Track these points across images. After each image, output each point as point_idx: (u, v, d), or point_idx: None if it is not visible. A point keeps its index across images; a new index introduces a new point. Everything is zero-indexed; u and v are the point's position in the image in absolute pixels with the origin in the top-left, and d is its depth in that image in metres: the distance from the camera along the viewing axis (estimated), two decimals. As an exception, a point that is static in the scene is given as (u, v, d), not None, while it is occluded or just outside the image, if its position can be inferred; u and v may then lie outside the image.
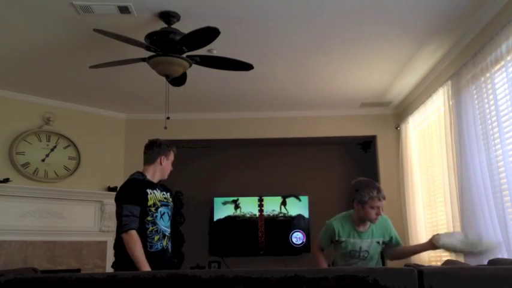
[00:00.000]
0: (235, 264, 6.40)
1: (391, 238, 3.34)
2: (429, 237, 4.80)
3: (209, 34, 3.31)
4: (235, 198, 6.59)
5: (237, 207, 6.58)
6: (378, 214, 3.20)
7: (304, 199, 6.54)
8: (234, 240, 6.54)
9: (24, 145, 5.28)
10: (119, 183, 3.80)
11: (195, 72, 4.23)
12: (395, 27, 3.88)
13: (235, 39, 4.02)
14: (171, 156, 3.51)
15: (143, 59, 3.72)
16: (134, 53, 3.76)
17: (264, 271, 2.02)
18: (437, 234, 3.15)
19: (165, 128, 4.27)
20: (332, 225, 3.33)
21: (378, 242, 3.30)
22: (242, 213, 6.57)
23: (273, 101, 5.76)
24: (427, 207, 4.94)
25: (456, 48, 4.23)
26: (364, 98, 5.69)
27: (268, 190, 6.64)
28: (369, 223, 3.29)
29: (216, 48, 3.99)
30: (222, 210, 6.57)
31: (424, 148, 5.06)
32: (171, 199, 3.51)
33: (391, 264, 4.27)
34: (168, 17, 3.56)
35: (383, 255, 3.51)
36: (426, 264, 4.65)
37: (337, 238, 3.30)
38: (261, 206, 6.58)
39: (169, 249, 3.40)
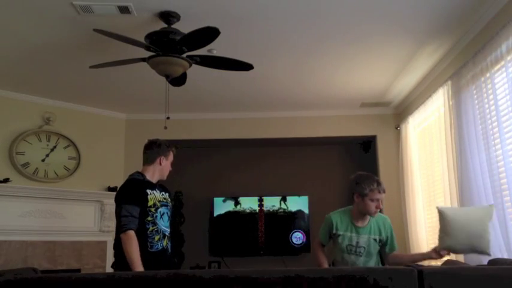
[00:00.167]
0: (235, 264, 6.41)
1: (387, 238, 3.33)
2: (429, 237, 4.85)
3: (209, 34, 3.31)
4: (235, 197, 6.60)
5: (237, 203, 6.58)
6: (377, 207, 3.22)
7: (304, 199, 6.55)
8: (234, 235, 6.54)
9: (24, 145, 5.28)
10: (119, 183, 3.80)
11: (195, 72, 4.23)
12: (395, 27, 3.88)
13: (235, 39, 4.02)
14: (171, 157, 3.51)
15: (143, 59, 3.72)
16: (134, 53, 3.76)
17: (264, 271, 2.02)
18: (440, 208, 3.10)
19: (165, 128, 4.27)
20: (330, 218, 3.37)
21: (375, 240, 3.30)
22: (242, 209, 6.58)
23: (273, 101, 5.76)
24: (427, 207, 4.93)
25: (456, 48, 4.23)
26: (364, 98, 5.69)
27: (268, 190, 6.64)
28: (368, 219, 3.31)
29: (216, 48, 3.99)
30: (222, 207, 6.58)
31: (424, 148, 5.06)
32: (170, 199, 3.51)
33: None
34: (168, 17, 3.56)
35: (382, 256, 3.51)
36: (426, 264, 4.65)
37: (334, 231, 3.32)
38: (261, 206, 6.58)
39: (169, 249, 3.41)
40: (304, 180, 6.71)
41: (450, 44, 4.23)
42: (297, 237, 6.48)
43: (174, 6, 3.49)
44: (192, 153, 6.61)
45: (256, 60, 4.10)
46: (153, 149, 3.45)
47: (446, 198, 4.22)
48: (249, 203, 6.58)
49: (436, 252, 3.08)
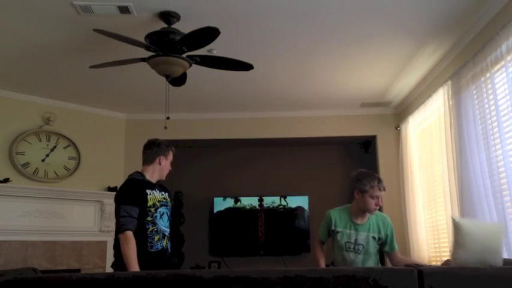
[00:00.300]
0: (235, 264, 6.41)
1: (386, 237, 3.32)
2: (429, 237, 4.85)
3: (209, 34, 3.31)
4: (235, 197, 6.61)
5: (237, 201, 6.59)
6: (377, 204, 3.23)
7: (304, 199, 6.55)
8: (234, 232, 6.54)
9: (24, 145, 5.28)
10: (118, 183, 3.80)
11: (195, 72, 4.23)
12: (395, 27, 3.88)
13: (235, 39, 4.02)
14: (170, 157, 3.51)
15: (143, 59, 3.72)
16: (134, 53, 3.76)
17: (264, 271, 2.02)
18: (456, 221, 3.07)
19: (165, 128, 4.27)
20: (330, 214, 3.38)
21: (374, 238, 3.29)
22: (242, 205, 6.58)
23: (273, 101, 5.76)
24: (427, 207, 4.93)
25: (456, 48, 4.23)
26: (364, 98, 5.69)
27: (268, 190, 6.63)
28: (367, 217, 3.31)
29: (216, 48, 3.99)
30: (222, 205, 6.59)
31: (424, 148, 5.06)
32: (169, 199, 3.51)
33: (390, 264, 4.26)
34: (168, 17, 3.56)
35: (382, 256, 3.51)
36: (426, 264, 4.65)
37: (333, 228, 3.33)
38: (261, 205, 6.59)
39: (169, 249, 3.41)
40: (304, 180, 6.71)
41: (450, 44, 4.23)
42: (297, 237, 6.48)
43: (174, 6, 3.49)
44: (192, 153, 6.61)
45: (256, 60, 4.10)
46: (152, 149, 3.45)
47: (446, 198, 4.22)
48: (249, 202, 6.60)
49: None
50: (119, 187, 3.43)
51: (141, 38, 3.58)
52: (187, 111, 6.04)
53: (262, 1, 3.45)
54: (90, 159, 5.73)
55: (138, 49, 3.65)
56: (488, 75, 3.52)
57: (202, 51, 3.77)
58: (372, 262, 3.32)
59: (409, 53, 4.41)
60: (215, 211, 6.56)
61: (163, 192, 3.45)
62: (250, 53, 4.23)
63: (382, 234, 3.31)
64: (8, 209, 4.97)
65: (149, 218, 3.25)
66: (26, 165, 5.24)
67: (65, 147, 5.58)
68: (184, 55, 3.65)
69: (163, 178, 3.50)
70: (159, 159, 3.42)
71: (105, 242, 5.53)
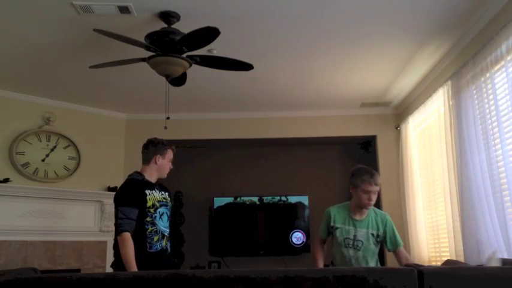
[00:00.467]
0: (235, 264, 6.41)
1: (385, 234, 3.32)
2: (429, 237, 4.85)
3: (209, 34, 3.31)
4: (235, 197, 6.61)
5: (237, 198, 6.61)
6: (369, 199, 3.24)
7: (304, 199, 6.55)
8: (234, 228, 6.53)
9: (24, 145, 5.28)
10: (118, 183, 3.80)
11: (195, 72, 4.23)
12: (395, 27, 3.88)
13: (235, 39, 4.02)
14: (169, 155, 3.48)
15: (143, 59, 3.71)
16: (134, 53, 3.76)
17: (264, 271, 2.02)
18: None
19: (165, 128, 4.27)
20: (329, 211, 3.41)
21: (373, 234, 3.30)
22: (242, 201, 6.59)
23: (273, 101, 5.76)
24: (427, 207, 4.93)
25: (456, 48, 4.23)
26: (364, 98, 5.69)
27: (268, 190, 6.63)
28: (366, 213, 3.33)
29: (216, 48, 3.99)
30: (222, 202, 6.59)
31: (424, 148, 5.06)
32: (169, 199, 3.51)
33: (391, 264, 4.27)
34: (168, 17, 3.56)
35: (382, 256, 3.51)
36: (426, 264, 4.65)
37: (332, 224, 3.35)
38: (261, 200, 6.59)
39: (169, 250, 3.41)
40: (304, 180, 6.71)
41: (450, 44, 4.23)
42: (297, 237, 6.49)
43: (174, 6, 3.49)
44: (192, 153, 6.61)
45: (256, 60, 4.10)
46: (149, 149, 3.45)
47: (446, 198, 4.22)
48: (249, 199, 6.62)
49: None
50: (118, 187, 3.43)
51: (141, 38, 3.58)
52: (187, 111, 6.04)
53: (262, 1, 3.45)
54: (90, 159, 5.72)
55: (138, 49, 3.65)
56: (488, 75, 3.52)
57: (202, 51, 3.77)
58: (371, 260, 3.32)
59: (409, 53, 4.41)
60: (215, 206, 6.54)
61: (163, 192, 3.44)
62: (250, 53, 4.23)
63: (381, 231, 3.31)
64: (8, 209, 4.97)
65: (148, 219, 3.25)
66: (26, 165, 5.24)
67: (65, 147, 5.58)
68: (184, 55, 3.65)
69: (164, 176, 3.48)
70: (155, 159, 3.41)
71: (105, 242, 5.53)
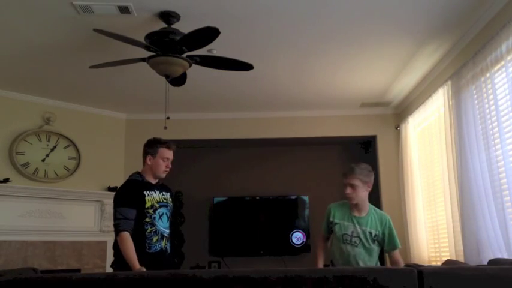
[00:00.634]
0: (235, 264, 6.41)
1: (383, 235, 3.34)
2: (429, 237, 4.84)
3: (209, 34, 3.31)
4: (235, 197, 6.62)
5: (237, 198, 6.61)
6: (347, 193, 3.32)
7: (304, 199, 6.55)
8: (234, 225, 6.53)
9: (24, 145, 5.28)
10: (118, 183, 3.80)
11: (195, 72, 4.23)
12: (395, 27, 3.88)
13: (235, 39, 4.02)
14: (161, 154, 3.38)
15: (143, 59, 3.72)
16: (134, 53, 3.76)
17: (263, 271, 2.02)
18: None
19: (165, 128, 4.27)
20: (329, 207, 3.47)
21: (371, 233, 3.32)
22: (242, 201, 6.60)
23: (273, 101, 5.76)
24: (427, 207, 4.93)
25: (456, 48, 4.23)
26: (364, 98, 5.69)
27: (268, 190, 6.63)
28: (366, 210, 3.36)
29: (216, 48, 3.99)
30: (222, 202, 6.60)
31: (424, 148, 5.06)
32: (170, 199, 3.49)
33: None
34: (168, 17, 3.56)
35: (382, 256, 3.52)
36: (426, 264, 4.65)
37: (331, 219, 3.39)
38: (261, 205, 6.60)
39: (169, 250, 3.40)
40: (304, 180, 6.71)
41: (450, 44, 4.23)
42: (297, 237, 6.49)
43: (174, 6, 3.49)
44: (192, 153, 6.61)
45: (256, 60, 4.10)
46: (143, 149, 3.45)
47: (446, 198, 4.22)
48: (249, 200, 6.62)
49: None
50: (118, 188, 3.43)
51: (141, 38, 3.58)
52: (187, 111, 6.03)
53: (262, 1, 3.45)
54: (90, 159, 5.72)
55: (138, 49, 3.65)
56: (488, 75, 3.52)
57: (202, 51, 3.77)
58: (370, 259, 3.33)
59: (409, 53, 4.41)
60: (215, 202, 6.55)
61: (164, 193, 3.43)
62: (250, 53, 4.23)
63: (379, 231, 3.33)
64: (8, 209, 4.97)
65: (147, 219, 3.25)
66: (26, 165, 5.24)
67: (65, 147, 5.58)
68: (184, 55, 3.65)
69: (162, 176, 3.43)
70: (147, 159, 3.40)
71: (105, 242, 5.53)
